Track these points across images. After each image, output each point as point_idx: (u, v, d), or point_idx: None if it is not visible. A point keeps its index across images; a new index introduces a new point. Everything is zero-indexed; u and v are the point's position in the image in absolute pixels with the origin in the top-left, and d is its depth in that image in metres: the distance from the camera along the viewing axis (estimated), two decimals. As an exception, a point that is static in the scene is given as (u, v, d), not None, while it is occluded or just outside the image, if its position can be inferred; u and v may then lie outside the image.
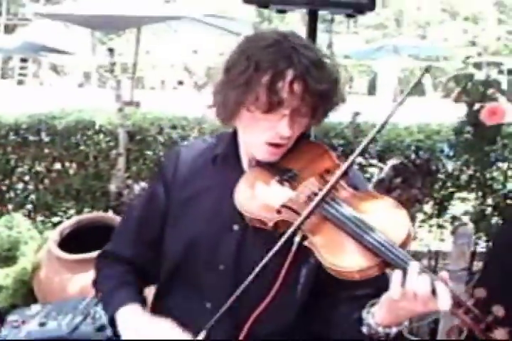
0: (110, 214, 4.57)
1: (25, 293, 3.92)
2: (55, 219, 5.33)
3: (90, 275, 3.72)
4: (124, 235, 2.02)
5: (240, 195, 1.76)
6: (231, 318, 1.71)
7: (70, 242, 3.84)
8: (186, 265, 1.85)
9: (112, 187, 3.92)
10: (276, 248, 1.63)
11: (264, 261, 1.63)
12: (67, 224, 3.94)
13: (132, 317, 1.79)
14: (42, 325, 2.12)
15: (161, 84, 34.07)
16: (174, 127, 5.00)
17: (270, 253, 1.63)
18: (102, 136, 4.96)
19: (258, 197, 1.74)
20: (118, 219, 3.96)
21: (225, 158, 1.87)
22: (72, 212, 5.32)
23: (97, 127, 4.95)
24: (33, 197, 5.33)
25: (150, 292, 1.99)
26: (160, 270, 1.93)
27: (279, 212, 1.71)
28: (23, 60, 30.40)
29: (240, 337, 1.66)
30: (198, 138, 4.38)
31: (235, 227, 1.80)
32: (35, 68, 33.67)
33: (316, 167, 1.79)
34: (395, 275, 1.54)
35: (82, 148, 5.02)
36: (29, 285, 3.91)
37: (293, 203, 1.71)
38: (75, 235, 3.90)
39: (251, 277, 1.64)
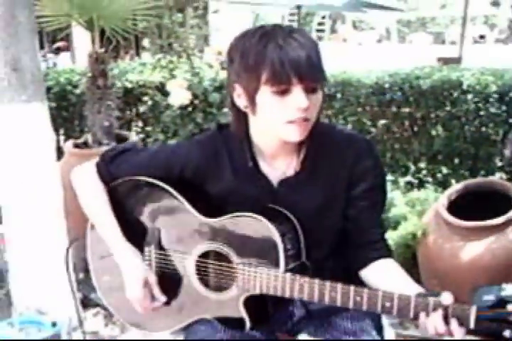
0: (499, 179, 4.36)
1: (407, 257, 3.85)
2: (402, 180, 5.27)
3: (483, 243, 3.60)
4: None
5: None
6: None
7: (456, 207, 3.69)
8: None
9: (507, 152, 3.70)
10: None
11: None
12: (454, 189, 3.77)
13: None
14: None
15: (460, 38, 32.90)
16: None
17: None
18: (470, 96, 4.74)
19: None
20: (508, 184, 3.73)
21: None
22: (424, 172, 5.22)
23: (464, 87, 4.74)
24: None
25: None
26: None
27: None
28: (322, 17, 30.88)
29: None
30: None
31: None
32: (331, 23, 34.11)
33: None
34: None
35: (447, 108, 4.84)
36: (412, 250, 3.83)
37: None
38: (461, 200, 3.73)
39: None
